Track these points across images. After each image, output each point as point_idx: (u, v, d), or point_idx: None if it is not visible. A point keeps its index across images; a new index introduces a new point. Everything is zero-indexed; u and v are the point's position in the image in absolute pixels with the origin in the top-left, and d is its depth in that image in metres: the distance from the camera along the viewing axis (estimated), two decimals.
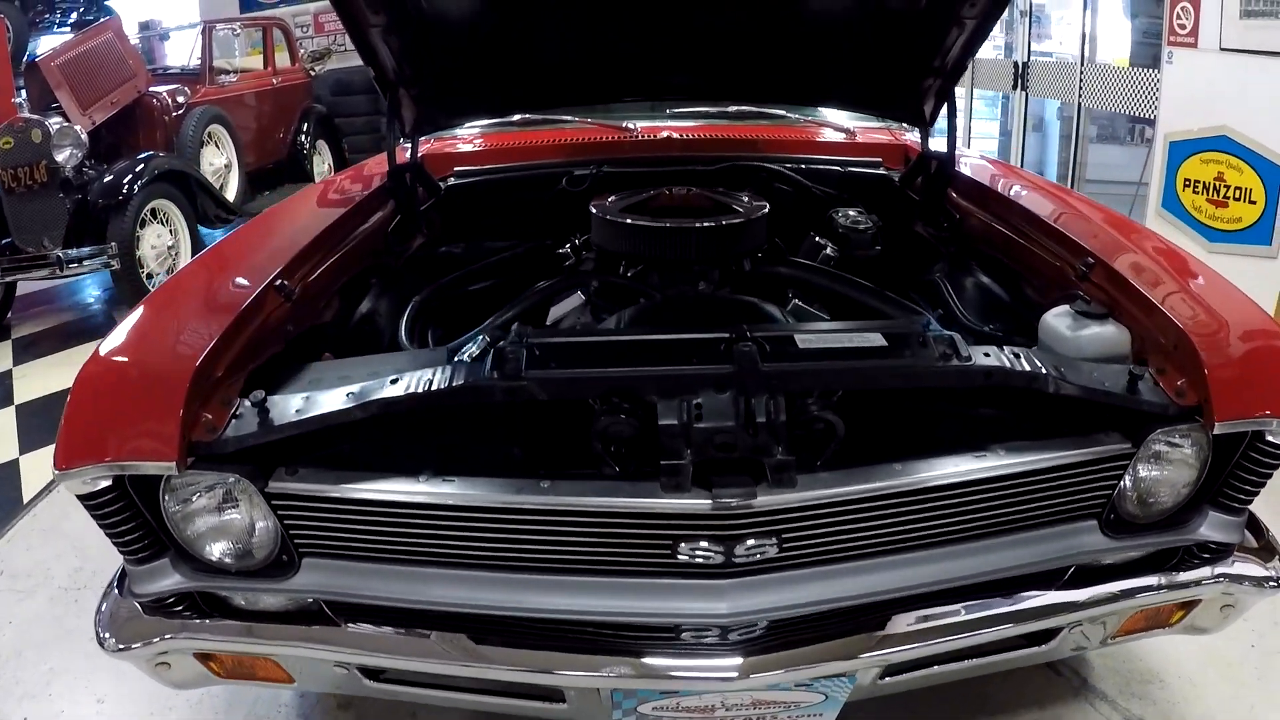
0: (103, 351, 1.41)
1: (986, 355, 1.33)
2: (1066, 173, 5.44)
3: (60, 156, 5.22)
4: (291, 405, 1.30)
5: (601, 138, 2.65)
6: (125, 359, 1.43)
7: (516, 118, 2.71)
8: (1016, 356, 1.34)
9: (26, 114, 5.22)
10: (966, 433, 1.38)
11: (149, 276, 5.22)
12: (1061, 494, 1.40)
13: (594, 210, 1.98)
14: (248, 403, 1.30)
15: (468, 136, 2.75)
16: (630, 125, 2.69)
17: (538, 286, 1.97)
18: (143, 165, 5.35)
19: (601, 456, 1.28)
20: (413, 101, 2.22)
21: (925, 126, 2.34)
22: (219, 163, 6.23)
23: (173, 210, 5.56)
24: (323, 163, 7.60)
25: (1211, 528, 1.46)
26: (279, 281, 1.60)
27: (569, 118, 2.75)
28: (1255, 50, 3.17)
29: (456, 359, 1.42)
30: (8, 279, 5.30)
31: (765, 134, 2.71)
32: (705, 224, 1.85)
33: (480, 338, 1.46)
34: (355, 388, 1.31)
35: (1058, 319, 1.50)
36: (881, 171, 2.56)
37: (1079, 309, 1.49)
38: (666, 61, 2.28)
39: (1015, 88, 5.53)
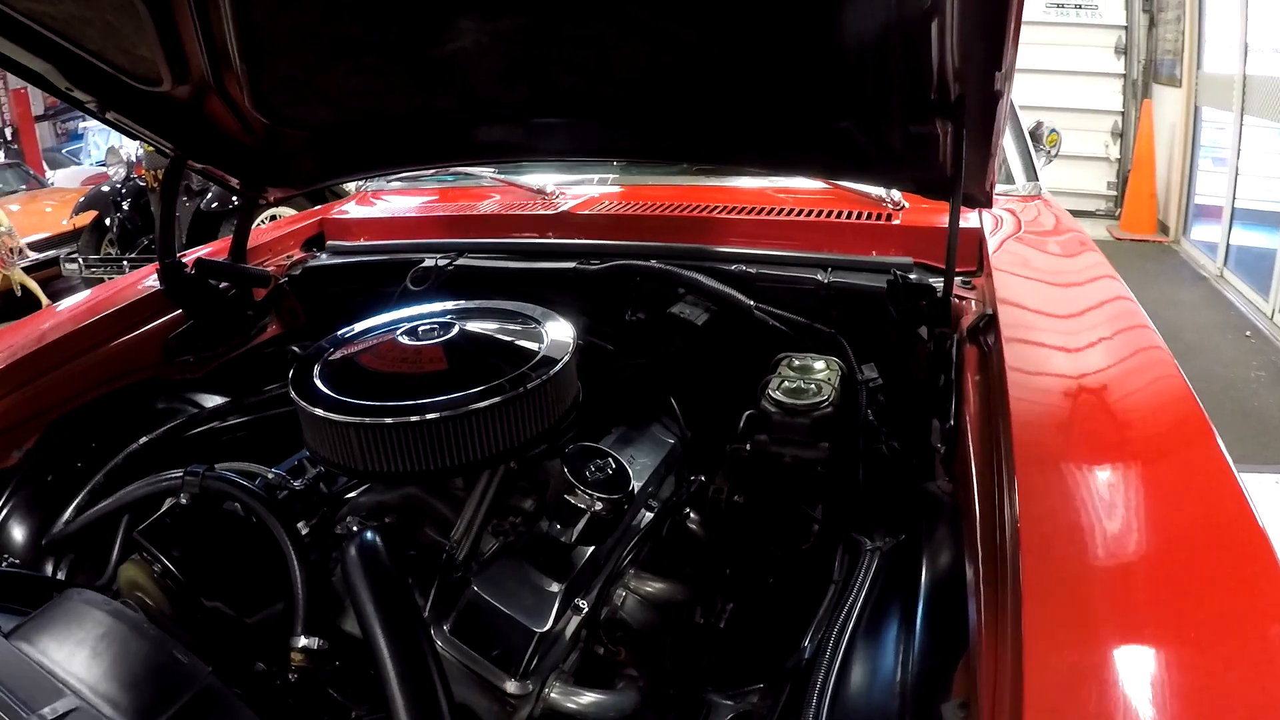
0: None
1: None
2: None
3: None
4: None
5: (508, 208, 1.96)
6: None
7: (430, 171, 2.10)
8: None
9: None
10: None
11: None
12: None
13: (291, 367, 1.24)
14: None
15: (373, 193, 2.19)
16: (551, 190, 1.97)
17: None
18: None
19: None
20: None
21: (956, 203, 1.26)
22: None
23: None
24: None
25: None
26: None
27: (484, 173, 2.08)
28: None
29: None
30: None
31: (741, 203, 1.85)
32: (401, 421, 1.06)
33: None
34: None
35: None
36: (886, 281, 1.50)
37: None
38: (531, 111, 1.47)
39: None
